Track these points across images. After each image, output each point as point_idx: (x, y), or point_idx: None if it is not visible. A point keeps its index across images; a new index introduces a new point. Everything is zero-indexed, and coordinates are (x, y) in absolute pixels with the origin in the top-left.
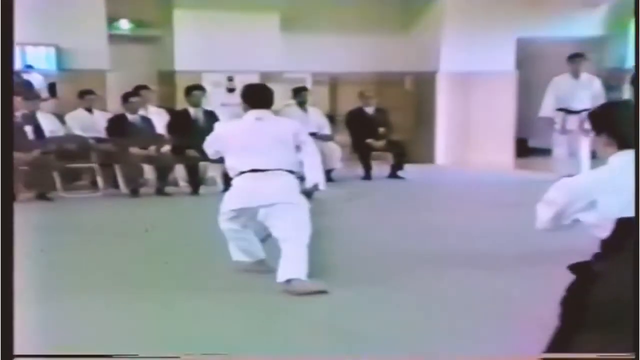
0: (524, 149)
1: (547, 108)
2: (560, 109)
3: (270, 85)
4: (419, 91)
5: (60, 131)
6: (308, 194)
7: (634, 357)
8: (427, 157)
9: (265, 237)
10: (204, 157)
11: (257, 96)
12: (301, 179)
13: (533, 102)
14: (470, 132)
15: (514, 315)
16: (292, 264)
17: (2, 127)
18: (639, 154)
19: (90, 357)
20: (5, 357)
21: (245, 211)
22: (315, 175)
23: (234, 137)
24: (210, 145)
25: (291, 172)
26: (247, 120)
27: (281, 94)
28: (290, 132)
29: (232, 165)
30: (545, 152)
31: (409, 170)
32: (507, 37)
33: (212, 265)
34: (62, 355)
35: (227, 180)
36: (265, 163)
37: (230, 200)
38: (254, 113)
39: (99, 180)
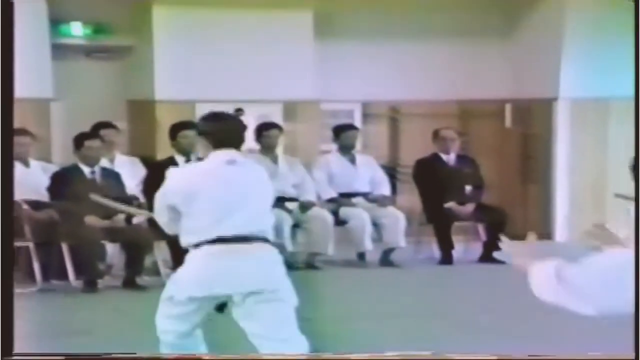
0: None
1: None
2: None
3: (303, 121)
4: (527, 129)
5: None
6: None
7: (634, 357)
8: (541, 228)
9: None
10: None
11: (224, 129)
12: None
13: None
14: (608, 189)
15: None
16: None
17: (2, 133)
18: (638, 159)
19: (90, 357)
20: (5, 357)
21: (208, 302)
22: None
23: (199, 187)
24: (163, 202)
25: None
26: (213, 165)
27: (316, 135)
28: (269, 182)
29: (193, 230)
30: None
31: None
32: None
33: None
34: (62, 354)
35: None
36: (242, 228)
37: (188, 284)
38: (222, 154)
39: (35, 268)
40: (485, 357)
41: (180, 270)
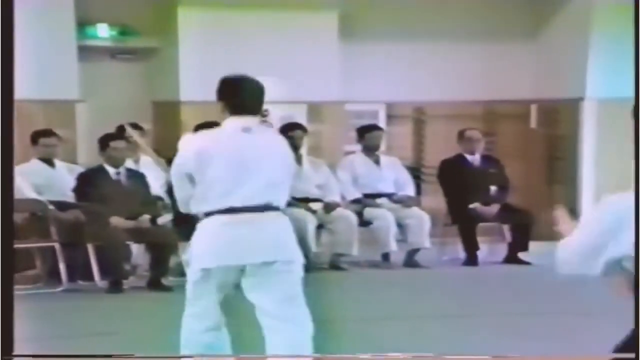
0: None
1: None
2: None
3: (327, 122)
4: (553, 130)
5: None
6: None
7: (634, 357)
8: None
9: None
10: None
11: (242, 94)
12: None
13: None
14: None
15: None
16: None
17: (2, 133)
18: (638, 157)
19: (90, 357)
20: (5, 357)
21: (222, 275)
22: None
23: (212, 152)
24: (180, 170)
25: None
26: (228, 132)
27: (341, 136)
28: (287, 152)
29: (206, 197)
30: None
31: (537, 250)
32: None
33: None
34: (61, 355)
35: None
36: (255, 197)
37: (201, 256)
38: (237, 121)
39: (61, 268)
40: (483, 357)
41: (193, 240)
